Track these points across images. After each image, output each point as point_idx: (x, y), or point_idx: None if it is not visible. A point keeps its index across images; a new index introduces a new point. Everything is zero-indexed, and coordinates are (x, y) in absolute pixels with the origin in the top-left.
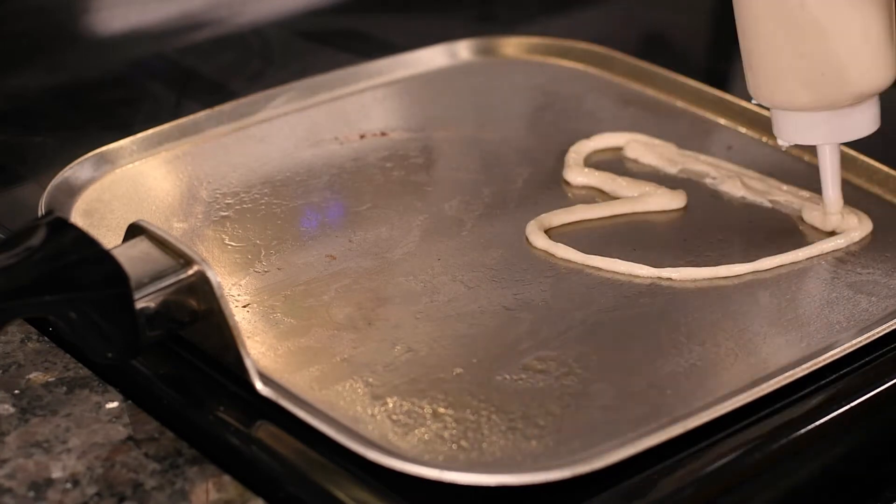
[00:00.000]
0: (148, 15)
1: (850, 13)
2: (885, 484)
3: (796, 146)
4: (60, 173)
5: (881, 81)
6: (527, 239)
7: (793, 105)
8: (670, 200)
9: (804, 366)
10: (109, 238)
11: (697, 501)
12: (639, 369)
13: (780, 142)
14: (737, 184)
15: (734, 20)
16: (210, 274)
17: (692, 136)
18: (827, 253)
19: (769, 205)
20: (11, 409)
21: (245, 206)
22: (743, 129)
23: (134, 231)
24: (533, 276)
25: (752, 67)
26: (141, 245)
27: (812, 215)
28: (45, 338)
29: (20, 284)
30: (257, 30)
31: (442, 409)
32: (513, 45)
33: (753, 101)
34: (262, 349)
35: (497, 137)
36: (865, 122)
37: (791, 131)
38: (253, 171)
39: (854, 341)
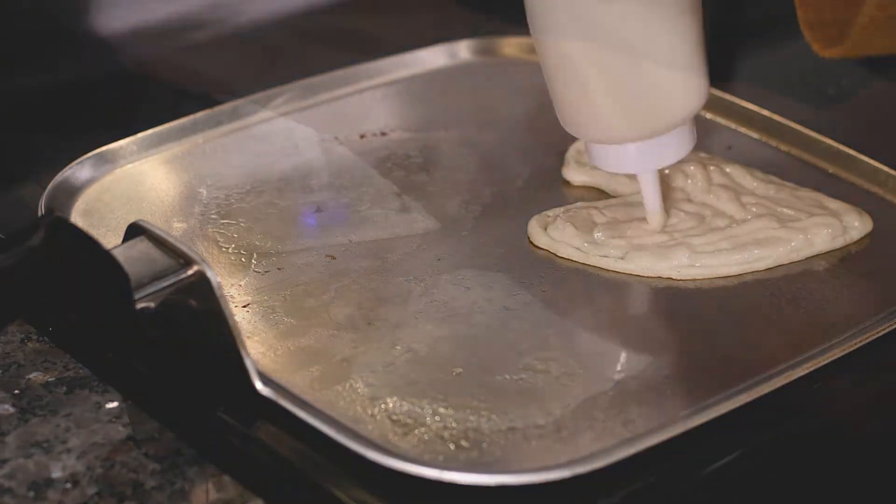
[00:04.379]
0: (148, 15)
1: (657, 42)
2: (885, 484)
3: None
4: (60, 173)
5: (695, 105)
6: (528, 237)
7: (612, 138)
8: None
9: (804, 366)
10: (109, 238)
11: (697, 501)
12: (638, 369)
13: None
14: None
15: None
16: (210, 274)
17: None
18: (827, 253)
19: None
20: (11, 409)
21: (245, 206)
22: (743, 129)
23: (134, 231)
24: (533, 276)
25: (566, 104)
26: (141, 245)
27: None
28: (45, 338)
29: (20, 284)
30: (257, 30)
31: (442, 409)
32: (513, 45)
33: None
34: (262, 349)
35: (497, 137)
36: (683, 142)
37: (613, 162)
38: (253, 171)
39: (854, 341)
